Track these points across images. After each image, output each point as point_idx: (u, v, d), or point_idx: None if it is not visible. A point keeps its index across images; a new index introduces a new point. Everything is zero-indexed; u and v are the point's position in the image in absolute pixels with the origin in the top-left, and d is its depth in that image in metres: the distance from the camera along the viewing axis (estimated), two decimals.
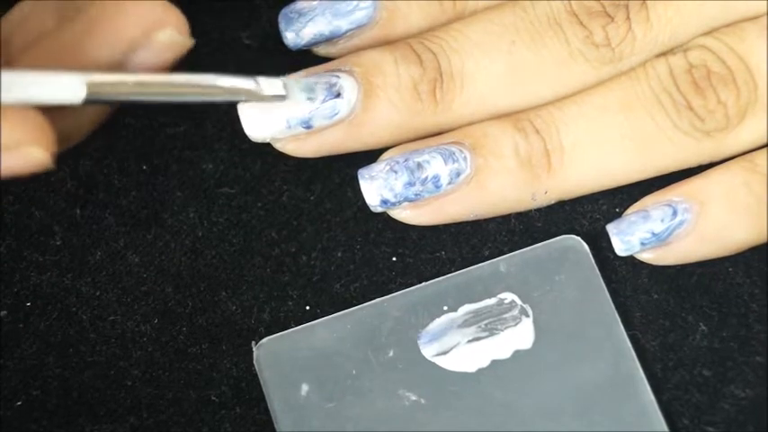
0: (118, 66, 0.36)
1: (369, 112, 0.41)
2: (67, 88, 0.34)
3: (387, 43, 0.42)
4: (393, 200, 0.41)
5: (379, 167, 0.41)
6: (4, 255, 0.42)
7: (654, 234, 0.40)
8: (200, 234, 0.42)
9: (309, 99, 0.40)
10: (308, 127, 0.40)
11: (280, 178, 0.43)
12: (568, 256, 0.41)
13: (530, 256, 0.41)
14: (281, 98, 0.39)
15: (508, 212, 0.42)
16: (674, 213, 0.40)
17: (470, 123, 0.42)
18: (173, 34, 0.36)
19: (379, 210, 0.41)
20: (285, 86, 0.39)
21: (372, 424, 0.39)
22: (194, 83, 0.37)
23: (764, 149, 0.41)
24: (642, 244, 0.40)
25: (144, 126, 0.43)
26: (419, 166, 0.40)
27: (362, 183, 0.41)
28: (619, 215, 0.41)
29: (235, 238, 0.42)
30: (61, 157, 0.34)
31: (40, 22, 0.36)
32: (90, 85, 0.34)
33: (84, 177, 0.43)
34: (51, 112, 0.34)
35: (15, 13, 0.36)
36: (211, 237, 0.42)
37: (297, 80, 0.40)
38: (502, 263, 0.41)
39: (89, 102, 0.35)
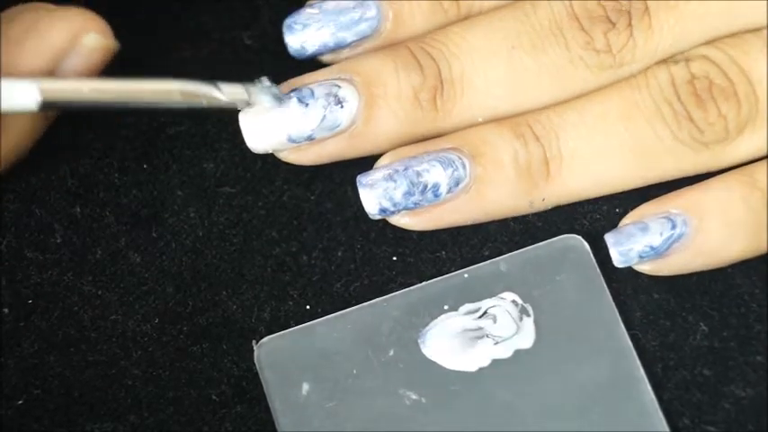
0: (50, 74, 0.37)
1: (370, 123, 0.41)
2: (22, 94, 0.34)
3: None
4: (392, 209, 0.41)
5: (377, 175, 0.41)
6: (4, 253, 0.42)
7: (652, 248, 0.40)
8: (200, 233, 0.42)
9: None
10: (310, 139, 0.40)
11: (280, 178, 0.43)
12: (569, 256, 0.41)
13: (530, 255, 0.41)
14: (245, 103, 0.39)
15: (505, 218, 0.42)
16: (673, 227, 0.40)
17: (470, 128, 0.41)
18: (98, 38, 0.38)
19: (378, 217, 0.41)
20: (248, 92, 0.39)
21: (373, 423, 0.39)
22: (149, 87, 0.37)
23: (764, 163, 0.40)
24: (640, 257, 0.40)
25: (145, 125, 0.43)
26: (418, 174, 0.40)
27: (361, 190, 0.41)
28: (619, 216, 0.41)
29: (235, 238, 0.42)
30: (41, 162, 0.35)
31: None
32: (44, 91, 0.34)
33: (85, 176, 0.43)
34: None
35: None
36: (212, 236, 0.42)
37: (260, 85, 0.40)
38: (502, 262, 0.41)
39: (44, 108, 0.35)
